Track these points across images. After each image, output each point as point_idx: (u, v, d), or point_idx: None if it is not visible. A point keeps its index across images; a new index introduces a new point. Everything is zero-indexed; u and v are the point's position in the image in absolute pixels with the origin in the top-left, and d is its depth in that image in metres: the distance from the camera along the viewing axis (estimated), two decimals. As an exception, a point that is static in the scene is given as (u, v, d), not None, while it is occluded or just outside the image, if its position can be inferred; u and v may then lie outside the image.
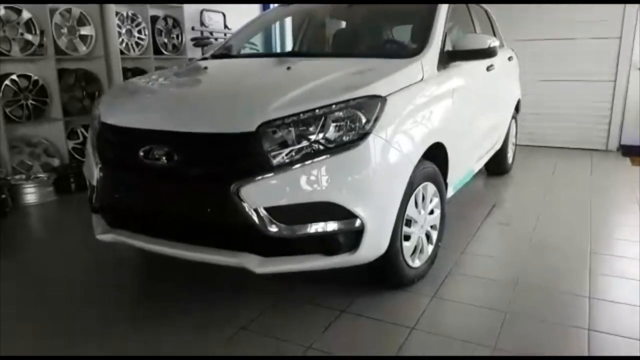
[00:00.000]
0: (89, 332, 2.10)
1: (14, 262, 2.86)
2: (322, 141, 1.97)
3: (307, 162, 1.93)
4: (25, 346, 2.02)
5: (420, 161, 2.30)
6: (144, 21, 5.42)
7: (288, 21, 3.98)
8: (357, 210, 1.98)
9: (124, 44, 5.23)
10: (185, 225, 2.14)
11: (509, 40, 4.80)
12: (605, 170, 4.97)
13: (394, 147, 2.09)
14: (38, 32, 4.33)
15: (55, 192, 4.19)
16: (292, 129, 1.96)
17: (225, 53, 3.23)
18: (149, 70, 5.44)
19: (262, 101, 2.04)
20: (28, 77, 4.33)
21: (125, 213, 2.30)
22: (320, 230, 1.97)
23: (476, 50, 2.75)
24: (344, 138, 1.99)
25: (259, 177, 1.92)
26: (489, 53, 2.76)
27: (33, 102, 4.37)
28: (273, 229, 1.94)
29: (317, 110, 1.98)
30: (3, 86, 4.13)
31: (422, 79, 2.46)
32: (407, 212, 2.27)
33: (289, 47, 6.46)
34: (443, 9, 2.88)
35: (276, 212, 1.94)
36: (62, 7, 4.55)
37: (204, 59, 3.24)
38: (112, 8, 4.93)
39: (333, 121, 1.99)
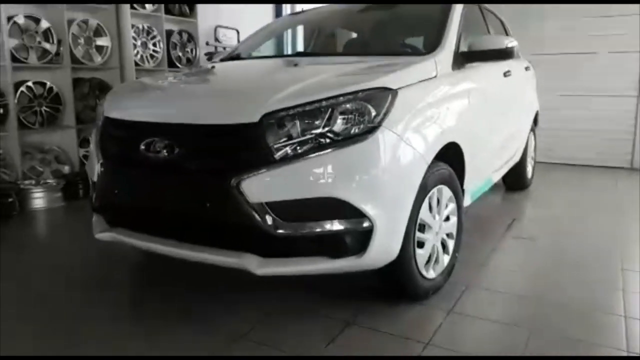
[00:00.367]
0: (86, 335, 1.99)
1: (14, 263, 2.78)
2: (329, 134, 1.85)
3: (312, 155, 1.81)
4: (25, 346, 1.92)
5: (434, 162, 2.16)
6: (159, 34, 5.46)
7: (299, 30, 3.89)
8: (366, 208, 1.83)
9: (138, 56, 5.26)
10: (184, 222, 2.03)
11: (527, 55, 4.67)
12: (631, 188, 4.72)
13: (405, 142, 1.96)
14: (55, 41, 4.36)
15: (64, 198, 4.15)
16: (296, 120, 1.84)
17: (233, 56, 3.17)
18: (163, 81, 5.44)
19: (266, 92, 1.94)
20: (43, 84, 4.34)
21: (124, 209, 2.21)
22: (325, 229, 1.83)
23: (493, 51, 2.62)
24: (351, 131, 1.86)
25: (261, 171, 1.80)
26: (506, 53, 2.63)
27: (47, 109, 4.38)
28: (274, 226, 1.81)
29: (323, 102, 1.86)
30: (18, 92, 4.14)
31: (435, 76, 2.34)
32: (420, 216, 2.11)
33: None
34: (457, 9, 2.78)
35: (278, 208, 1.81)
36: (80, 17, 4.59)
37: (213, 62, 3.19)
38: (128, 20, 4.97)
39: (340, 113, 1.87)
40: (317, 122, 1.85)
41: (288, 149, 1.82)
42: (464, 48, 2.68)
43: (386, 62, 2.35)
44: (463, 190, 2.55)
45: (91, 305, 2.25)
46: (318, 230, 1.83)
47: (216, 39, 6.45)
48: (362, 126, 1.88)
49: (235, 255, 1.91)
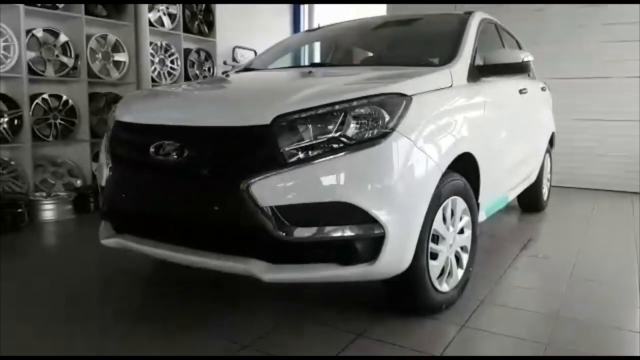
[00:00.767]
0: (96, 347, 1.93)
1: (19, 271, 2.75)
2: (341, 138, 1.81)
3: (323, 159, 1.77)
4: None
5: (449, 172, 2.12)
6: (177, 52, 5.54)
7: (316, 46, 3.90)
8: (378, 214, 1.78)
9: (156, 72, 5.32)
10: (191, 227, 1.99)
11: (541, 79, 4.64)
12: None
13: (419, 148, 1.91)
14: (73, 55, 4.44)
15: (74, 211, 4.13)
16: (309, 123, 1.81)
17: (248, 69, 3.18)
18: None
19: (278, 95, 1.92)
20: (59, 97, 4.39)
21: (131, 214, 2.17)
22: (335, 234, 1.78)
23: (508, 65, 2.60)
24: (365, 135, 1.83)
25: (272, 174, 1.76)
26: (522, 68, 2.60)
27: (62, 122, 4.41)
28: (284, 231, 1.76)
29: (336, 106, 1.84)
30: (34, 105, 4.19)
31: (451, 86, 2.31)
32: (434, 226, 2.05)
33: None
34: (474, 23, 2.78)
35: (288, 212, 1.76)
36: (99, 32, 4.68)
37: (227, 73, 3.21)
38: (146, 37, 5.05)
39: (354, 117, 1.84)
40: (329, 126, 1.82)
41: (299, 152, 1.79)
42: (479, 62, 2.66)
43: (401, 71, 2.33)
44: (478, 204, 2.49)
45: (96, 315, 2.20)
46: (328, 235, 1.78)
47: (234, 59, 6.54)
48: (375, 131, 1.84)
49: (242, 261, 1.86)
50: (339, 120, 1.83)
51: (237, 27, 6.56)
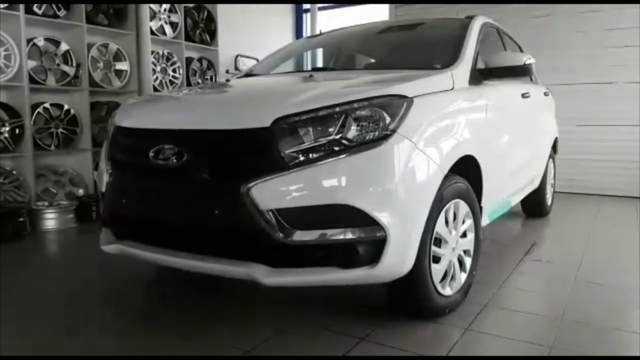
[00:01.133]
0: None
1: (21, 279, 2.74)
2: (342, 140, 1.80)
3: (324, 161, 1.76)
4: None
5: (451, 175, 2.10)
6: (179, 61, 5.56)
7: (318, 53, 3.90)
8: (380, 216, 1.77)
9: (157, 81, 5.34)
10: (191, 232, 1.97)
11: (544, 84, 4.63)
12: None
13: (420, 150, 1.90)
14: (75, 64, 4.45)
15: (76, 220, 4.13)
16: (309, 126, 1.80)
17: (249, 74, 3.18)
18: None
19: (278, 98, 1.92)
20: (60, 107, 4.40)
21: (131, 219, 2.16)
22: (336, 237, 1.76)
23: (510, 67, 2.59)
24: (365, 137, 1.82)
25: (272, 177, 1.75)
26: (524, 70, 2.59)
27: (63, 132, 4.42)
28: (285, 234, 1.75)
29: (337, 108, 1.83)
30: (35, 114, 4.20)
31: (452, 89, 2.30)
32: (436, 229, 2.03)
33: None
34: (475, 26, 2.78)
35: (289, 215, 1.75)
36: (100, 41, 4.70)
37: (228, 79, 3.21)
38: (148, 46, 5.07)
39: (354, 119, 1.83)
40: (330, 128, 1.81)
41: (300, 155, 1.78)
42: (481, 65, 2.66)
43: (403, 74, 2.32)
44: (481, 208, 2.47)
45: (97, 320, 2.19)
46: (329, 238, 1.76)
47: (236, 68, 6.56)
48: (376, 133, 1.83)
49: (243, 265, 1.84)
50: (340, 123, 1.82)
51: (239, 35, 6.59)
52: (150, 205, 2.04)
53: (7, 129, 3.99)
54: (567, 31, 5.73)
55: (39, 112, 4.23)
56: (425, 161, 1.92)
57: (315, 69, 3.15)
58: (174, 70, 5.53)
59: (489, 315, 2.23)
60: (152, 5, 5.17)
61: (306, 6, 7.83)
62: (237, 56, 6.66)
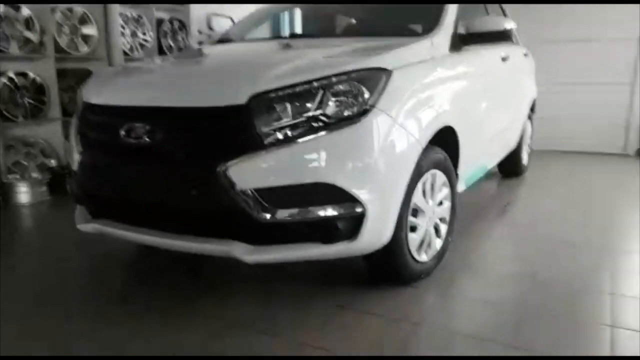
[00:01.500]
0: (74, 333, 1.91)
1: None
2: (321, 116, 1.77)
3: (303, 139, 1.74)
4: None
5: (429, 146, 2.11)
6: (149, 23, 5.33)
7: (297, 13, 3.76)
8: (358, 193, 1.78)
9: (127, 45, 5.13)
10: (169, 212, 1.95)
11: (524, 40, 4.60)
12: (623, 174, 4.72)
13: (399, 125, 1.89)
14: (38, 29, 4.23)
15: (50, 192, 4.04)
16: (286, 102, 1.77)
17: (224, 40, 3.07)
18: (152, 71, 5.33)
19: (254, 73, 1.87)
20: (25, 75, 4.21)
21: (106, 200, 2.12)
22: (316, 215, 1.77)
23: (491, 33, 2.56)
24: (344, 113, 1.79)
25: (250, 156, 1.73)
26: (505, 35, 2.57)
27: (31, 101, 4.25)
28: (264, 213, 1.74)
29: (314, 83, 1.79)
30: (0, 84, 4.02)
31: (432, 58, 2.27)
32: (413, 200, 2.06)
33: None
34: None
35: (268, 195, 1.74)
36: (64, 5, 4.46)
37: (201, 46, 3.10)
38: (115, 8, 4.84)
39: (333, 94, 1.80)
40: (308, 104, 1.78)
41: (278, 133, 1.75)
42: (462, 31, 2.61)
43: (382, 42, 2.27)
44: (457, 175, 2.50)
45: (79, 300, 2.18)
46: (309, 216, 1.77)
47: (209, 28, 6.32)
48: (355, 108, 1.81)
49: (224, 243, 1.84)
50: (318, 98, 1.79)
51: (211, -7, 6.32)
52: (126, 186, 2.00)
53: (-29, 100, 3.82)
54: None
55: (3, 83, 4.04)
56: (404, 136, 1.92)
57: (292, 35, 3.05)
58: (143, 33, 5.31)
59: (461, 279, 2.32)
60: (117, -36, 4.90)
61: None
62: (209, 15, 6.42)
